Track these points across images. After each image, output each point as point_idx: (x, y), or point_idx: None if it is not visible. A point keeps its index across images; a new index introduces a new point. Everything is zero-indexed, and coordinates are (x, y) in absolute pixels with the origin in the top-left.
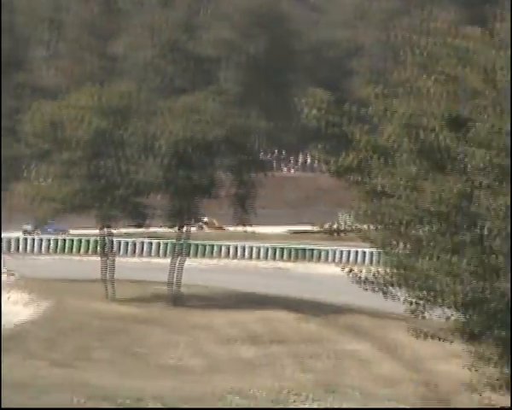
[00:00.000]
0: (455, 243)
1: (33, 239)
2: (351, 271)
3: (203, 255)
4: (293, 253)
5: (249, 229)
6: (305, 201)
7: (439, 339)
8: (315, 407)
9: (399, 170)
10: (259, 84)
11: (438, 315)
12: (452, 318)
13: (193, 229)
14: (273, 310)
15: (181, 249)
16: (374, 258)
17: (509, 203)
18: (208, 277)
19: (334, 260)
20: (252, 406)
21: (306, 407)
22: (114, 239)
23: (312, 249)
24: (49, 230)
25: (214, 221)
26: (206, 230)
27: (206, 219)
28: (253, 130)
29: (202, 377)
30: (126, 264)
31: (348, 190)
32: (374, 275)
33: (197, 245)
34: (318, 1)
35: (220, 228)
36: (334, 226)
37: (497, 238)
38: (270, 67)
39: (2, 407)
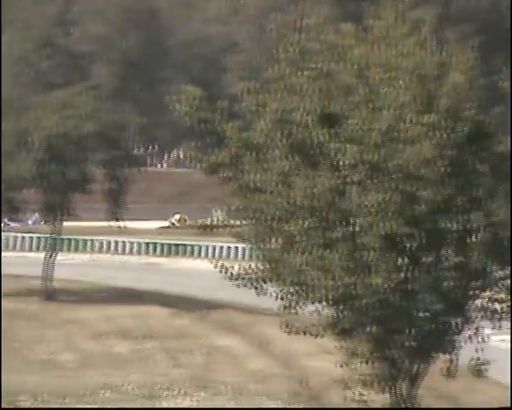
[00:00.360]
0: (327, 238)
1: None
2: (222, 266)
3: (76, 250)
4: (165, 248)
5: (125, 224)
6: (179, 196)
7: (312, 335)
8: (187, 401)
9: (271, 166)
10: (133, 80)
11: (311, 311)
12: (325, 313)
13: (165, 224)
14: (146, 305)
15: (54, 244)
16: (247, 253)
17: (380, 200)
18: (81, 271)
19: (207, 255)
20: (124, 401)
21: (179, 402)
22: None
23: (185, 245)
24: (29, 222)
25: (186, 218)
26: (177, 225)
27: (177, 217)
28: (126, 125)
29: (75, 372)
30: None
31: (222, 185)
32: (246, 271)
33: (70, 240)
34: None
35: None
36: (208, 222)
37: (368, 235)
38: (143, 62)
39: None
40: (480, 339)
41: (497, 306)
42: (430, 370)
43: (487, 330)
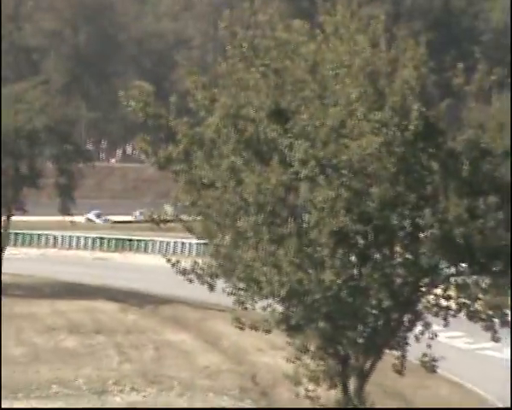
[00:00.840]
0: (277, 234)
1: None
2: (169, 261)
3: (25, 245)
4: (115, 243)
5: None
6: (131, 191)
7: (263, 331)
8: (136, 397)
9: (222, 161)
10: (85, 75)
11: (262, 307)
12: (277, 309)
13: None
14: (96, 300)
15: (5, 239)
16: (199, 249)
17: (329, 196)
18: (32, 266)
19: (158, 250)
20: (74, 395)
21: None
22: None
23: (137, 240)
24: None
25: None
26: None
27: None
28: (77, 120)
29: (27, 367)
30: None
31: (174, 181)
32: (197, 266)
33: (19, 234)
34: None
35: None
36: (157, 216)
37: (318, 231)
38: (95, 57)
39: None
40: (429, 336)
41: (449, 303)
42: (379, 366)
43: (436, 327)
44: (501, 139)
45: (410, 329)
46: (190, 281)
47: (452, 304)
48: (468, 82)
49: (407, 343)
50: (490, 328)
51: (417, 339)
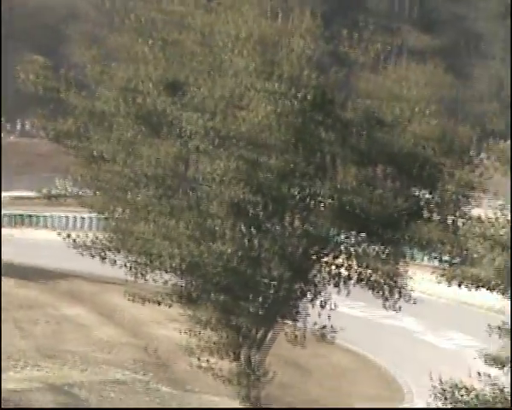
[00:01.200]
0: (172, 206)
1: None
2: (68, 236)
3: None
4: (11, 219)
5: None
6: (25, 167)
7: (158, 303)
8: (34, 371)
9: (116, 134)
10: None
11: (158, 279)
12: (171, 281)
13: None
14: None
15: None
16: (93, 223)
17: (223, 167)
18: None
19: (52, 225)
20: None
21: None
22: None
23: (31, 215)
24: None
25: None
26: None
27: None
28: None
29: None
30: None
31: (68, 155)
32: (92, 240)
33: None
34: None
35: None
36: (53, 192)
37: (213, 203)
38: None
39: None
40: (327, 305)
41: (344, 272)
42: (280, 337)
43: (335, 296)
44: (392, 108)
45: (303, 298)
46: (85, 255)
47: (346, 272)
48: (359, 51)
49: (300, 313)
50: (383, 296)
51: (319, 307)
